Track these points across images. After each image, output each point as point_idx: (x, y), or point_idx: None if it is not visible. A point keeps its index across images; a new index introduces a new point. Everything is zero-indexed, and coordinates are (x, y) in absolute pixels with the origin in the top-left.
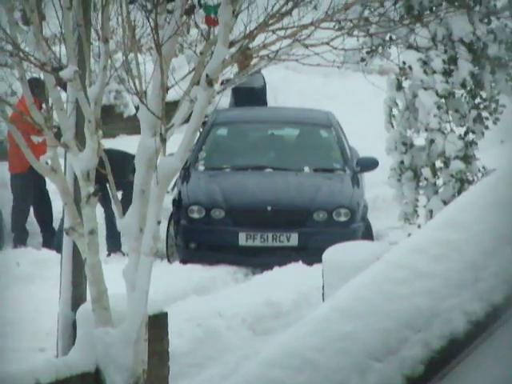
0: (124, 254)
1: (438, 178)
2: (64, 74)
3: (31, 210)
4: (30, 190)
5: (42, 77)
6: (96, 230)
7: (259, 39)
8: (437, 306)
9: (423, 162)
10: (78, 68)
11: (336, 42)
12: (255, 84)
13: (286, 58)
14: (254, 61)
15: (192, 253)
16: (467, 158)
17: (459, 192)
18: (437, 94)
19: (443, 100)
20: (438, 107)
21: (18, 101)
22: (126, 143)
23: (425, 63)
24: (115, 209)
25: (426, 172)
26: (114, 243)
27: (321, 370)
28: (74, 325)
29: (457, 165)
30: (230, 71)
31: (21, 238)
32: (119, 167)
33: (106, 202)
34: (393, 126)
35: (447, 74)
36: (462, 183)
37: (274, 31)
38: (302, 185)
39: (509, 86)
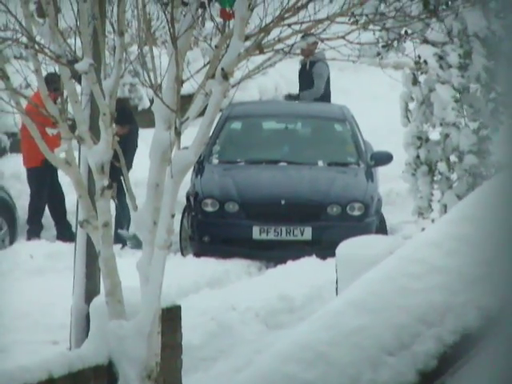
0: (122, 246)
1: (453, 172)
2: (79, 66)
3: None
4: (46, 183)
5: (58, 70)
6: (110, 223)
7: (274, 33)
8: (450, 300)
9: (438, 157)
10: (93, 61)
11: (351, 36)
12: (324, 73)
13: (300, 53)
14: (268, 54)
15: (206, 246)
16: (481, 153)
17: (473, 187)
18: (453, 89)
19: (458, 95)
20: (456, 101)
21: (33, 93)
22: (140, 136)
23: (440, 58)
24: (129, 202)
25: (441, 166)
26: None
27: (334, 364)
28: (87, 317)
29: (470, 159)
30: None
31: (35, 231)
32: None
33: (119, 195)
34: (409, 121)
35: (463, 68)
36: (476, 178)
37: (289, 25)
38: (316, 179)
39: None
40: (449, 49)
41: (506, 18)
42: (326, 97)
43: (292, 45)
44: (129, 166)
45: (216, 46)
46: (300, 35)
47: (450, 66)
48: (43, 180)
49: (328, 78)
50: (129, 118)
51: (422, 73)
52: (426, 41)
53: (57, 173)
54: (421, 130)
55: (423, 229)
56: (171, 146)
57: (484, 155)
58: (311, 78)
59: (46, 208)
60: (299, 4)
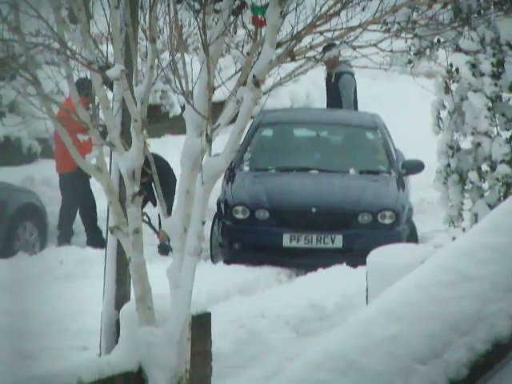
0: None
1: (484, 181)
2: (111, 73)
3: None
4: (79, 190)
5: (89, 76)
6: (141, 230)
7: (306, 40)
8: (482, 309)
9: (469, 166)
10: (124, 67)
11: (383, 44)
12: (351, 86)
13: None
14: (300, 62)
15: (236, 253)
16: None
17: (505, 196)
18: (486, 97)
19: (490, 103)
20: (488, 109)
21: (65, 99)
22: (171, 143)
23: (473, 66)
24: (160, 208)
25: (472, 175)
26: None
27: (365, 373)
28: (117, 324)
29: (503, 169)
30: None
31: (66, 237)
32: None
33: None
34: (441, 129)
35: (495, 76)
36: (508, 187)
37: (321, 32)
38: (347, 187)
39: None
40: (481, 57)
41: None
42: (355, 107)
43: (324, 52)
44: (169, 210)
45: (248, 53)
46: (325, 44)
47: (482, 75)
48: (76, 186)
49: (355, 88)
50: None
51: (453, 81)
52: (458, 49)
53: (88, 179)
54: (452, 139)
55: (454, 238)
56: (202, 153)
57: None
58: (338, 90)
59: (77, 214)
60: (331, 11)
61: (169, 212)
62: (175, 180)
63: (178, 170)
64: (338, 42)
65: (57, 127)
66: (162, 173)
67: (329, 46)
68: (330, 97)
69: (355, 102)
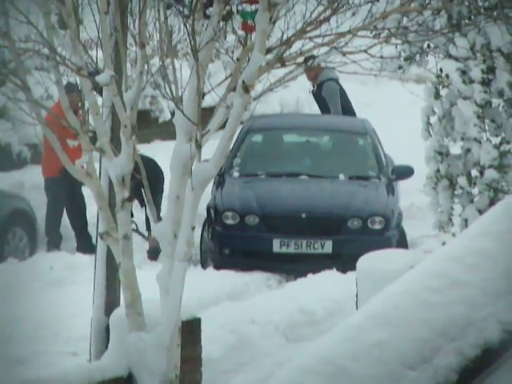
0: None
1: (474, 187)
2: (100, 78)
3: (65, 214)
4: (63, 193)
5: (78, 81)
6: (130, 235)
7: (296, 46)
8: (472, 314)
9: (459, 171)
10: (114, 73)
11: (373, 50)
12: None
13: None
14: (290, 68)
15: (226, 259)
16: (502, 168)
17: (493, 201)
18: (476, 104)
19: (480, 111)
20: (478, 116)
21: (53, 104)
22: (160, 148)
23: (463, 73)
24: (149, 214)
25: (462, 181)
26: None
27: (354, 378)
28: (107, 329)
29: (491, 174)
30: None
31: (54, 242)
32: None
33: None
34: (430, 135)
35: (485, 83)
36: (496, 192)
37: (311, 38)
38: (337, 192)
39: None
40: (472, 64)
41: None
42: (346, 111)
43: (314, 58)
44: (158, 209)
45: (237, 59)
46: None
47: (472, 81)
48: (60, 190)
49: (343, 92)
50: (156, 179)
51: (443, 87)
52: (448, 55)
53: (80, 185)
54: (442, 145)
55: (444, 243)
56: (192, 159)
57: (505, 170)
58: (324, 100)
59: (66, 219)
60: (321, 17)
61: (157, 210)
62: (163, 178)
63: (167, 176)
64: (317, 53)
65: (46, 132)
66: (149, 175)
67: (309, 58)
68: (320, 107)
69: (349, 104)
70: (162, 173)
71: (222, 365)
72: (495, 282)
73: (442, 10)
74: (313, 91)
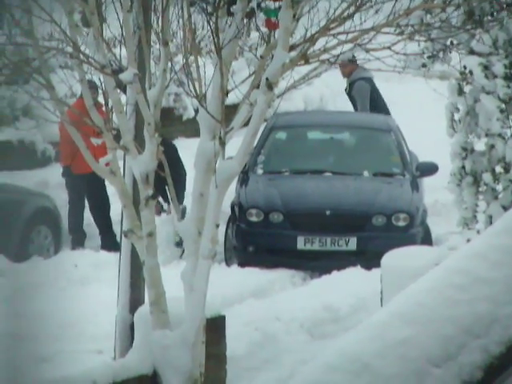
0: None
1: (498, 183)
2: (124, 76)
3: (88, 211)
4: (86, 191)
5: (102, 79)
6: (154, 233)
7: (320, 43)
8: (496, 311)
9: (483, 168)
10: (137, 71)
11: (397, 47)
12: (364, 92)
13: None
14: (313, 65)
15: (250, 256)
16: None
17: None
18: (499, 99)
19: (504, 105)
20: (501, 111)
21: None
22: (184, 146)
23: (486, 68)
24: (173, 212)
25: (487, 177)
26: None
27: (379, 375)
28: (131, 327)
29: None
30: None
31: (78, 240)
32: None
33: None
34: (455, 131)
35: (508, 78)
36: None
37: (335, 35)
38: (361, 189)
39: None
40: (494, 59)
41: None
42: (380, 110)
43: (338, 55)
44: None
45: (261, 56)
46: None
47: (495, 77)
48: (82, 187)
49: (377, 92)
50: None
51: (467, 83)
52: (471, 51)
53: (104, 183)
54: (466, 141)
55: (468, 240)
56: (216, 156)
57: None
58: (354, 99)
59: (91, 217)
60: (345, 14)
61: (179, 200)
62: (185, 172)
63: (191, 174)
64: (341, 50)
65: (70, 130)
66: (172, 163)
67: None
68: (353, 105)
69: (382, 103)
70: (183, 165)
71: (246, 362)
72: None
73: (463, 6)
74: (346, 89)
